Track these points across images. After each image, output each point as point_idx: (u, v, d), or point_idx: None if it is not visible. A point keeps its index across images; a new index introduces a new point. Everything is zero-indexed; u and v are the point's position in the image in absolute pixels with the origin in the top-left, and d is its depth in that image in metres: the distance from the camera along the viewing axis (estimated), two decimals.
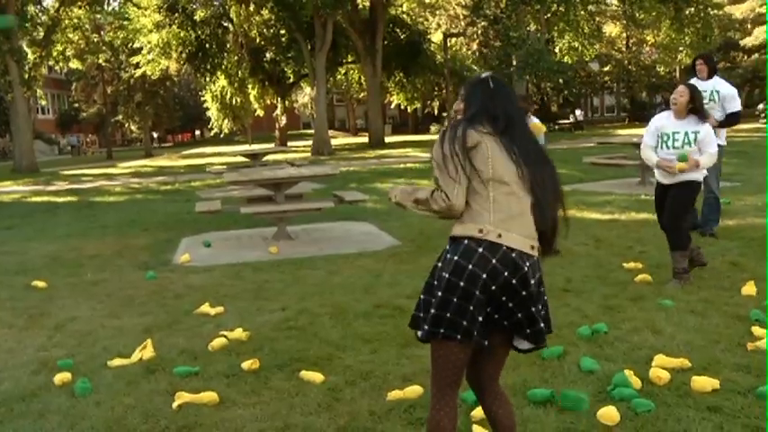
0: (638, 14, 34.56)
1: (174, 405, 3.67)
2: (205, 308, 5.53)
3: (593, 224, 8.55)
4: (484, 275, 2.36)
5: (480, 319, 2.40)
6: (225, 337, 4.73)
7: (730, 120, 7.27)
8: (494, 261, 2.37)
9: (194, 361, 4.38)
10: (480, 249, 2.38)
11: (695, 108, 5.38)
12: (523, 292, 2.41)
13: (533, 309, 2.45)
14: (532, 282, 2.43)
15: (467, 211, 2.45)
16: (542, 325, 2.49)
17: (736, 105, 7.26)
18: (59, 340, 5.03)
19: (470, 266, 2.37)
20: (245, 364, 4.18)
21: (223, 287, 6.35)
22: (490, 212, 2.43)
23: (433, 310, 2.41)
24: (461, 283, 2.36)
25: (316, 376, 3.95)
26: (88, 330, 5.22)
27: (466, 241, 2.41)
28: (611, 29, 46.31)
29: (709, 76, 7.31)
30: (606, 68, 48.37)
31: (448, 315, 2.37)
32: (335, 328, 4.90)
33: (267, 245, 8.39)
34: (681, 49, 34.61)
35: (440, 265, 2.49)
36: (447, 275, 2.39)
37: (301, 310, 5.39)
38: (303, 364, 4.17)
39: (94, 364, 4.46)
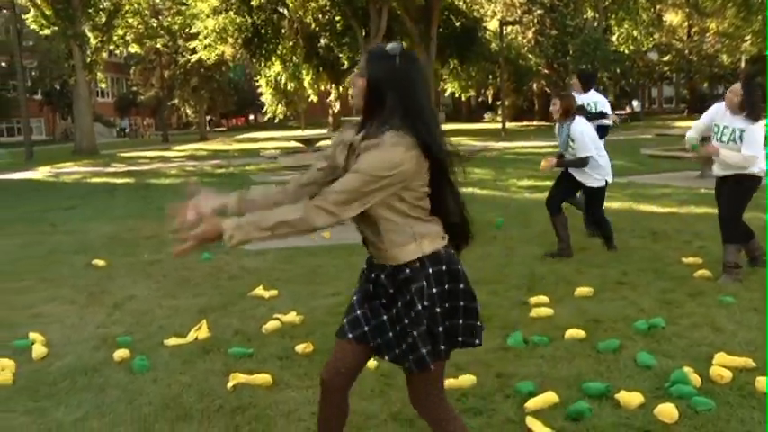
0: (701, 2, 33.57)
1: (229, 385, 3.73)
2: (259, 290, 5.60)
3: (650, 217, 8.37)
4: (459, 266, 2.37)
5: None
6: (278, 319, 4.78)
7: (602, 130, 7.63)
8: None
9: (248, 342, 4.44)
10: (451, 250, 2.38)
11: (750, 106, 5.17)
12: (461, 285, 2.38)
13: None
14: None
15: (421, 224, 2.29)
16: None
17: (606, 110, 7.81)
18: (118, 318, 5.17)
19: (459, 267, 2.37)
20: (299, 348, 4.22)
21: (276, 271, 6.42)
22: (432, 222, 2.34)
23: (440, 328, 2.32)
24: (461, 285, 2.36)
25: (369, 362, 3.95)
26: (145, 309, 5.35)
27: (442, 250, 2.33)
28: (672, 17, 45.08)
29: (585, 91, 7.77)
30: (666, 58, 47.10)
31: (441, 328, 2.34)
32: None
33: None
34: (747, 37, 33.48)
35: (415, 288, 2.29)
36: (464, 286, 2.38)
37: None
38: None
39: (152, 342, 4.56)
